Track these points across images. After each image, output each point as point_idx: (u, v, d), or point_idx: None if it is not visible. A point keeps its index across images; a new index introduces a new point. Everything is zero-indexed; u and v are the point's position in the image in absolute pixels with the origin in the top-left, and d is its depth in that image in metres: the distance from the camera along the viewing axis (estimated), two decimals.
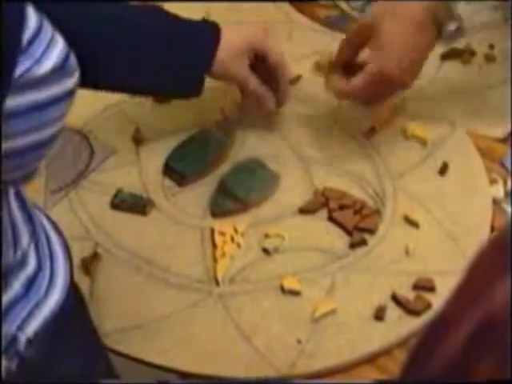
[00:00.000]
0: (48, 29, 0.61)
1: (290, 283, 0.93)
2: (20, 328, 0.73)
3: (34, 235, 0.77)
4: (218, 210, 1.02)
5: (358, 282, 0.94)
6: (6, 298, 0.73)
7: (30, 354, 0.74)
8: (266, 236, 0.98)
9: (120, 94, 1.07)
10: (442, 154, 1.07)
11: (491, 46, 1.20)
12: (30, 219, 0.76)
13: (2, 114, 0.57)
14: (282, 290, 0.93)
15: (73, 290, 0.82)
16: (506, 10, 0.98)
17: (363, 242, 0.97)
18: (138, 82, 1.00)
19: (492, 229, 0.99)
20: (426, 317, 0.89)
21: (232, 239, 0.98)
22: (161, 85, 1.02)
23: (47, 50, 0.60)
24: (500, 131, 1.11)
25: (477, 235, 0.97)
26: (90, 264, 0.95)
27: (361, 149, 1.08)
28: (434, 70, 1.18)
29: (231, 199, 1.02)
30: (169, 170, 1.07)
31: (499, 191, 1.03)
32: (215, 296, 0.93)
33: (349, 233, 0.98)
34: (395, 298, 0.91)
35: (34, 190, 1.01)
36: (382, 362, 0.88)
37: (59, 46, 0.62)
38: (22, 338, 0.73)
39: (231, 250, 0.97)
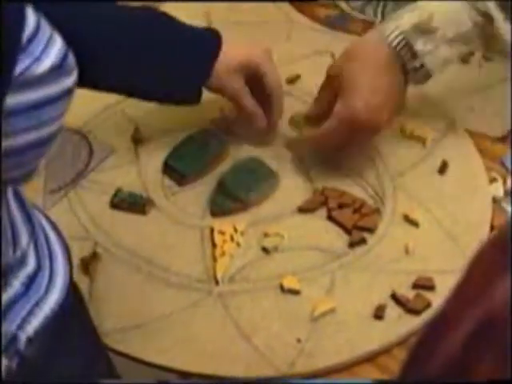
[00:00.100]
0: (46, 28, 0.61)
1: (289, 282, 0.93)
2: (20, 327, 0.73)
3: (33, 235, 0.77)
4: (217, 210, 1.02)
5: (357, 281, 0.94)
6: (6, 297, 0.74)
7: (30, 353, 0.74)
8: (266, 235, 0.98)
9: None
10: (442, 153, 1.07)
11: None
12: (28, 219, 0.77)
13: (1, 112, 0.57)
14: (282, 289, 0.93)
15: (72, 289, 0.82)
16: (473, 44, 0.97)
17: (362, 241, 0.97)
18: (136, 85, 1.00)
19: (492, 228, 0.99)
20: (426, 316, 0.89)
21: (231, 238, 0.98)
22: (157, 90, 1.02)
23: (46, 48, 0.60)
24: (499, 130, 1.11)
25: (476, 234, 0.97)
26: (89, 264, 0.95)
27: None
28: None
29: (231, 198, 1.02)
30: (168, 169, 1.07)
31: (499, 190, 1.04)
32: (215, 295, 0.93)
33: (348, 232, 0.98)
34: (395, 297, 0.91)
35: (34, 190, 1.01)
36: (381, 361, 0.88)
37: (58, 44, 0.62)
38: (23, 337, 0.73)
39: (231, 250, 0.97)
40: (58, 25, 0.63)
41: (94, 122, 1.14)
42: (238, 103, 1.05)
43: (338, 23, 1.31)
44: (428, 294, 0.91)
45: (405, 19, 0.97)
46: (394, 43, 0.97)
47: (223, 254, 0.97)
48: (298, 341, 0.88)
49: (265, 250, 0.97)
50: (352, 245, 0.97)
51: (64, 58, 0.62)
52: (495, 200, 1.03)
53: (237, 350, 0.88)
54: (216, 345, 0.89)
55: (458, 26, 0.96)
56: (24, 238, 0.75)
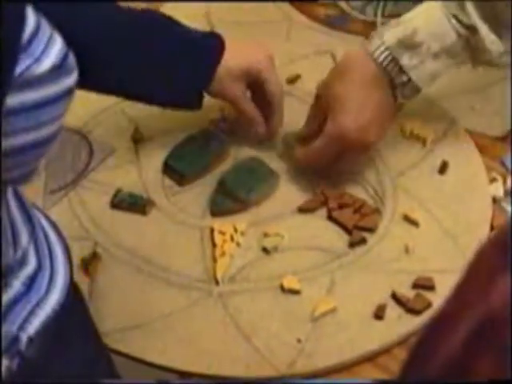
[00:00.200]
0: (46, 28, 0.61)
1: (289, 282, 0.93)
2: (21, 327, 0.73)
3: (33, 235, 0.77)
4: (217, 210, 1.02)
5: (357, 280, 0.94)
6: (6, 298, 0.74)
7: (30, 353, 0.74)
8: (266, 235, 0.98)
9: None
10: (442, 153, 1.07)
11: None
12: (28, 219, 0.77)
13: (1, 112, 0.57)
14: (282, 289, 0.93)
15: (73, 289, 0.82)
16: (462, 54, 0.97)
17: (363, 241, 0.97)
18: (136, 89, 1.00)
19: (492, 227, 0.99)
20: (426, 315, 0.89)
21: (232, 238, 0.98)
22: (158, 95, 1.02)
23: (46, 48, 0.60)
24: (500, 130, 1.11)
25: (476, 234, 0.97)
26: (89, 264, 0.95)
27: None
28: None
29: (231, 198, 1.02)
30: (168, 169, 1.07)
31: (499, 190, 1.04)
32: (215, 295, 0.93)
33: (348, 232, 0.98)
34: (395, 297, 0.91)
35: (34, 190, 1.01)
36: (382, 361, 0.88)
37: (58, 45, 0.62)
38: (24, 337, 0.73)
39: (231, 250, 0.97)
40: (58, 26, 0.63)
41: (94, 122, 1.14)
42: (239, 109, 1.05)
43: (338, 23, 1.31)
44: (428, 294, 0.91)
45: (389, 35, 0.97)
46: (380, 59, 0.97)
47: (223, 254, 0.97)
48: (298, 341, 0.88)
49: (265, 250, 0.97)
50: (352, 245, 0.97)
51: (64, 58, 0.62)
52: (495, 200, 1.02)
53: (237, 350, 0.88)
54: (216, 345, 0.89)
55: (442, 40, 0.96)
56: (24, 238, 0.75)
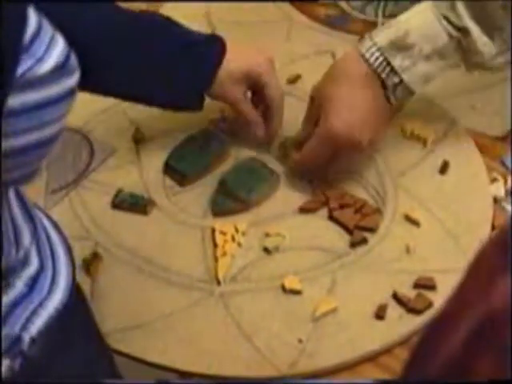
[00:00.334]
0: (48, 28, 0.61)
1: (290, 282, 0.93)
2: (24, 328, 0.74)
3: (35, 235, 0.77)
4: (218, 210, 1.02)
5: (358, 280, 0.94)
6: (9, 298, 0.74)
7: (33, 353, 0.74)
8: (267, 235, 0.98)
9: None
10: (443, 153, 1.07)
11: None
12: (30, 219, 0.77)
13: (3, 113, 0.57)
14: (283, 289, 0.93)
15: (75, 289, 0.82)
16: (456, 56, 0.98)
17: (364, 241, 0.97)
18: (137, 91, 1.00)
19: (493, 227, 0.99)
20: (427, 315, 0.89)
21: (233, 238, 0.98)
22: (159, 97, 1.02)
23: (48, 49, 0.60)
24: (500, 130, 1.11)
25: (477, 234, 0.97)
26: (90, 264, 0.95)
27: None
28: None
29: (232, 198, 1.02)
30: (169, 169, 1.07)
31: (500, 190, 1.04)
32: (216, 295, 0.93)
33: (349, 232, 0.98)
34: (396, 297, 0.91)
35: (35, 190, 1.01)
36: (383, 361, 0.88)
37: (60, 45, 0.62)
38: (26, 337, 0.73)
39: (232, 250, 0.97)
40: (57, 27, 0.63)
41: (94, 122, 1.14)
42: (239, 111, 1.06)
43: (339, 23, 1.31)
44: (429, 294, 0.91)
45: (382, 36, 0.97)
46: (372, 60, 0.97)
47: (224, 254, 0.97)
48: (300, 341, 0.88)
49: (266, 250, 0.97)
50: (353, 245, 0.97)
51: (66, 58, 0.62)
52: (496, 200, 1.02)
53: (238, 350, 0.88)
54: (217, 345, 0.89)
55: (434, 42, 0.96)
56: (26, 238, 0.75)
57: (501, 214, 1.01)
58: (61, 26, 0.63)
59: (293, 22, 1.31)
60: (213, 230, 0.99)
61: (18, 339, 0.73)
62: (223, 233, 0.99)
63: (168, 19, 1.00)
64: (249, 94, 1.06)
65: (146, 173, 1.07)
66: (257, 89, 1.05)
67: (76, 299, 0.82)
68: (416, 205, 1.01)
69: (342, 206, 1.01)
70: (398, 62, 0.96)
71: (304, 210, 1.01)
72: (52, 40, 0.61)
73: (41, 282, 0.77)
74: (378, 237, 0.98)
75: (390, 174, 1.05)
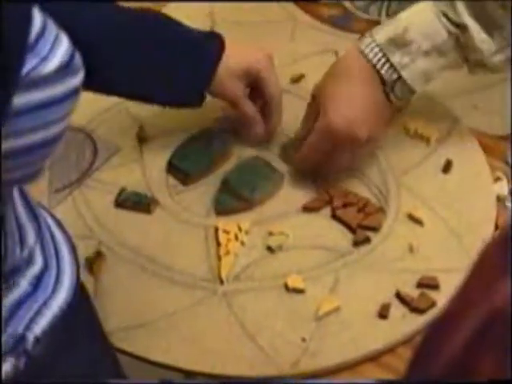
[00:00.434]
0: (52, 28, 0.61)
1: (294, 281, 0.93)
2: (28, 327, 0.74)
3: (39, 234, 0.77)
4: (221, 209, 1.02)
5: (361, 279, 0.94)
6: (13, 297, 0.74)
7: (37, 352, 0.74)
8: (270, 234, 0.98)
9: None
10: (446, 152, 1.07)
11: None
12: (34, 218, 0.77)
13: (9, 113, 0.57)
14: (286, 288, 0.93)
15: (79, 288, 0.82)
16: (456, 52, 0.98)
17: (367, 240, 0.97)
18: (137, 89, 1.01)
19: (496, 226, 0.99)
20: (430, 315, 0.89)
21: (236, 237, 0.98)
22: (159, 95, 1.02)
23: (53, 48, 0.60)
24: (504, 129, 1.11)
25: (480, 233, 0.97)
26: (93, 263, 0.96)
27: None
28: None
29: (235, 197, 1.02)
30: (173, 168, 1.07)
31: (503, 189, 1.03)
32: (219, 294, 0.93)
33: (352, 231, 0.98)
34: (399, 296, 0.91)
35: (38, 189, 1.01)
36: (386, 360, 0.88)
37: (64, 44, 0.62)
38: (30, 337, 0.74)
39: (235, 248, 0.97)
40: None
41: (98, 120, 1.14)
42: (238, 108, 1.06)
43: (342, 22, 1.31)
44: (432, 293, 0.91)
45: (381, 33, 0.98)
46: (371, 56, 0.97)
47: (228, 252, 0.97)
48: (303, 340, 0.88)
49: (269, 248, 0.97)
50: (356, 244, 0.97)
51: (71, 57, 0.62)
52: (499, 199, 1.02)
53: (241, 349, 0.88)
54: (220, 344, 0.89)
55: (433, 38, 0.96)
56: (31, 237, 0.75)
57: (504, 213, 1.01)
58: (61, 25, 0.63)
59: (297, 22, 1.31)
60: (216, 229, 0.99)
61: (22, 338, 0.73)
62: (226, 232, 0.99)
63: (166, 17, 1.00)
64: (247, 91, 1.07)
65: (149, 172, 1.07)
66: (256, 86, 1.05)
67: (80, 298, 0.82)
68: (419, 204, 1.01)
69: (345, 205, 1.01)
70: (397, 58, 0.96)
71: (307, 209, 1.01)
72: (56, 39, 0.61)
73: (45, 281, 0.77)
74: (381, 236, 0.98)
75: (393, 172, 1.05)
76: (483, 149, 1.08)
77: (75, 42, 0.64)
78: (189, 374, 0.89)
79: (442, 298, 0.90)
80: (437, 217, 1.00)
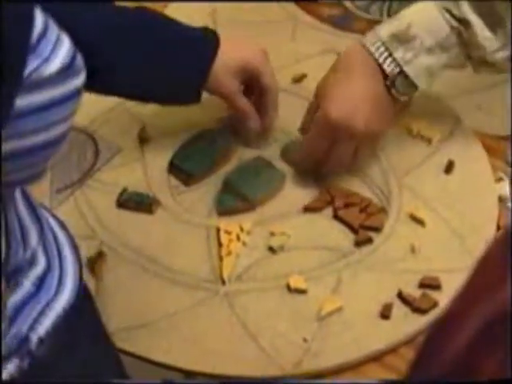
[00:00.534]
0: (54, 28, 0.61)
1: (295, 282, 0.93)
2: (31, 328, 0.74)
3: (42, 235, 0.77)
4: (223, 209, 1.02)
5: (363, 280, 0.94)
6: (16, 298, 0.74)
7: (41, 353, 0.74)
8: (272, 234, 0.98)
9: None
10: (448, 152, 1.07)
11: None
12: (37, 219, 0.77)
13: (11, 114, 0.57)
14: (288, 288, 0.93)
15: (82, 289, 0.82)
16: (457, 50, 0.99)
17: (369, 240, 0.97)
18: (133, 88, 1.00)
19: (498, 227, 0.99)
20: (432, 315, 0.89)
21: (238, 238, 0.98)
22: (155, 93, 1.02)
23: (54, 49, 0.60)
24: (506, 129, 1.11)
25: (483, 233, 0.97)
26: (95, 263, 0.96)
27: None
28: None
29: (237, 198, 1.02)
30: (174, 168, 1.07)
31: (505, 189, 1.03)
32: (221, 295, 0.93)
33: (354, 231, 0.98)
34: (401, 296, 0.91)
35: (40, 190, 1.01)
36: (388, 361, 0.88)
37: (66, 45, 0.62)
38: (34, 337, 0.74)
39: (237, 249, 0.97)
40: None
41: (99, 121, 1.14)
42: (234, 104, 1.06)
43: (342, 22, 1.31)
44: (434, 294, 0.91)
45: (384, 29, 0.98)
46: (373, 50, 0.98)
47: (229, 253, 0.97)
48: (305, 340, 0.88)
49: (271, 249, 0.97)
50: (358, 244, 0.97)
51: (72, 58, 0.62)
52: (501, 199, 1.02)
53: (243, 350, 0.88)
54: (222, 344, 0.89)
55: (436, 35, 0.97)
56: (33, 238, 0.75)
57: (506, 213, 1.01)
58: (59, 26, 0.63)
59: (297, 22, 1.31)
60: (218, 230, 0.99)
61: (26, 339, 0.73)
62: (228, 232, 0.99)
63: (160, 15, 1.00)
64: (241, 88, 1.06)
65: (150, 172, 1.07)
66: (251, 81, 1.05)
67: (83, 299, 0.82)
68: (421, 204, 1.01)
69: (346, 206, 1.01)
70: (400, 54, 0.97)
71: (309, 209, 1.01)
72: (58, 40, 0.61)
73: (48, 282, 0.77)
74: (383, 236, 0.98)
75: (395, 173, 1.05)
76: (485, 149, 1.08)
77: (74, 42, 0.64)
78: (190, 374, 0.89)
79: (443, 299, 0.90)
80: (439, 217, 1.00)
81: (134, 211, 1.02)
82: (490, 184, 1.04)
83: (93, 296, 0.90)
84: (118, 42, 0.96)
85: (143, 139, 1.11)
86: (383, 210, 1.01)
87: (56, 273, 0.79)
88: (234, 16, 1.30)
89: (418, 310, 0.90)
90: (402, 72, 0.97)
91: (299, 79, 1.19)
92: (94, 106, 1.13)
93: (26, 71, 0.58)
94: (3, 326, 0.72)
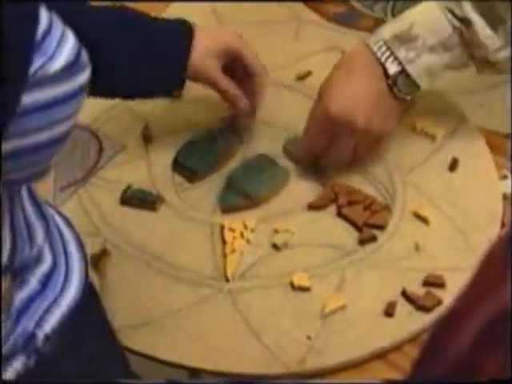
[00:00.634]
0: (58, 25, 0.61)
1: (299, 279, 0.93)
2: (38, 325, 0.74)
3: (48, 232, 0.77)
4: (227, 206, 1.02)
5: (367, 277, 0.94)
6: (23, 295, 0.74)
7: (47, 350, 0.74)
8: (276, 232, 0.98)
9: None
10: (452, 150, 1.07)
11: None
12: (43, 216, 0.77)
13: (17, 112, 0.57)
14: (292, 286, 0.93)
15: (88, 286, 0.82)
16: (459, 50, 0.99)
17: (373, 238, 0.97)
18: (113, 85, 1.00)
19: (502, 225, 0.99)
20: (436, 313, 0.89)
21: (242, 235, 0.98)
22: (135, 88, 1.02)
23: (59, 46, 0.60)
24: (507, 127, 1.11)
25: (487, 231, 0.97)
26: (99, 260, 0.96)
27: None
28: None
29: (241, 195, 1.02)
30: (178, 166, 1.07)
31: (509, 187, 1.03)
32: (225, 292, 0.93)
33: (358, 229, 0.98)
34: (405, 294, 0.91)
35: (44, 188, 1.01)
36: (392, 358, 0.88)
37: (70, 41, 0.62)
38: (40, 335, 0.74)
39: (241, 246, 0.97)
40: None
41: (103, 119, 1.14)
42: (219, 88, 1.05)
43: (348, 20, 1.31)
44: (438, 292, 0.91)
45: (387, 29, 0.99)
46: (375, 49, 0.98)
47: (233, 250, 0.97)
48: (308, 338, 0.88)
49: (275, 246, 0.97)
50: (362, 242, 0.97)
51: (77, 55, 0.62)
52: (506, 197, 1.02)
53: (246, 347, 0.88)
54: (226, 342, 0.89)
55: (438, 35, 0.97)
56: (39, 236, 0.76)
57: (510, 211, 1.00)
58: None
59: (302, 20, 1.31)
60: (222, 227, 0.99)
61: (32, 337, 0.73)
62: (232, 229, 0.99)
63: (132, 10, 1.00)
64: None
65: (154, 169, 1.07)
66: (234, 64, 1.04)
67: (89, 296, 0.83)
68: (425, 202, 1.01)
69: (350, 203, 1.00)
70: (402, 53, 0.97)
71: (313, 207, 1.01)
72: (63, 36, 0.61)
73: (54, 279, 0.77)
74: (387, 234, 0.98)
75: (399, 170, 1.05)
76: (489, 147, 1.08)
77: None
78: (193, 371, 0.89)
79: (448, 297, 0.90)
80: (443, 215, 0.99)
81: (138, 208, 1.02)
82: (494, 181, 1.04)
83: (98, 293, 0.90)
84: (95, 42, 0.95)
85: (147, 137, 1.11)
86: (387, 208, 1.00)
87: (62, 270, 0.79)
88: (235, 16, 1.30)
89: (422, 308, 0.90)
90: (403, 71, 0.97)
91: (303, 77, 1.19)
92: (97, 104, 1.12)
93: (32, 69, 0.58)
94: (8, 324, 0.72)
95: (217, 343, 0.89)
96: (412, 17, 0.98)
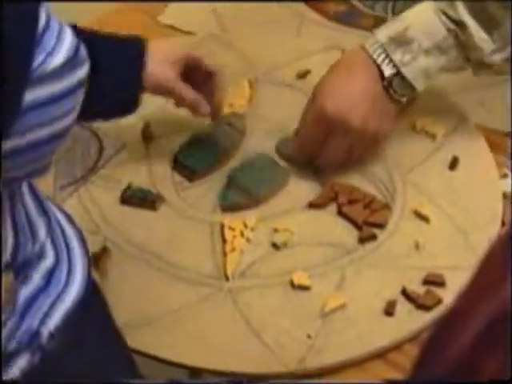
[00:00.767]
0: (55, 21, 0.62)
1: (299, 278, 0.93)
2: (42, 322, 0.74)
3: (50, 228, 0.78)
4: (227, 205, 1.02)
5: (367, 276, 0.94)
6: (27, 292, 0.74)
7: (51, 347, 0.74)
8: (276, 231, 0.98)
9: None
10: (452, 149, 1.07)
11: None
12: (44, 212, 0.77)
13: (21, 110, 0.57)
14: (292, 284, 0.93)
15: (91, 282, 0.82)
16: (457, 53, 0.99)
17: (373, 237, 0.97)
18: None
19: (502, 223, 0.99)
20: (437, 312, 0.89)
21: (242, 234, 0.98)
22: (92, 111, 1.00)
23: (58, 41, 0.60)
24: (507, 126, 1.11)
25: (487, 230, 0.97)
26: (99, 259, 0.96)
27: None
28: None
29: (241, 194, 1.02)
30: (178, 165, 1.07)
31: (509, 185, 1.03)
32: (225, 291, 0.93)
33: (358, 227, 0.98)
34: (405, 293, 0.91)
35: (44, 186, 1.01)
36: (392, 357, 0.88)
37: (69, 37, 0.62)
38: (45, 332, 0.74)
39: (241, 245, 0.97)
40: None
41: None
42: (179, 96, 1.04)
43: (349, 19, 1.31)
44: (438, 290, 0.91)
45: (383, 33, 0.99)
46: (371, 51, 0.99)
47: (233, 249, 0.97)
48: (308, 337, 0.88)
49: (275, 245, 0.97)
50: (362, 240, 0.97)
51: (76, 50, 0.62)
52: (506, 195, 1.02)
53: (246, 346, 0.88)
54: (226, 341, 0.89)
55: (433, 37, 0.98)
56: (42, 232, 0.76)
57: (510, 210, 1.00)
58: None
59: (303, 19, 1.31)
60: (222, 226, 0.99)
61: (37, 334, 0.73)
62: (232, 228, 0.99)
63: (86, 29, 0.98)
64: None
65: (154, 168, 1.07)
66: (191, 71, 1.04)
67: (92, 293, 0.83)
68: (425, 200, 1.01)
69: (350, 202, 1.00)
70: (398, 56, 0.98)
71: (313, 206, 1.01)
72: (61, 31, 0.61)
73: (57, 276, 0.78)
74: (387, 233, 0.98)
75: (399, 169, 1.05)
76: (490, 145, 1.08)
77: None
78: (194, 370, 0.89)
79: (448, 295, 0.90)
80: (443, 214, 0.99)
81: (138, 207, 1.02)
82: (494, 180, 1.04)
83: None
84: None
85: (147, 136, 1.11)
86: (387, 207, 1.00)
87: (65, 266, 0.79)
88: (235, 16, 1.30)
89: (422, 307, 0.90)
90: (398, 73, 0.98)
91: (303, 75, 1.19)
92: None
93: (32, 66, 0.58)
94: (13, 322, 0.72)
95: (217, 342, 0.89)
96: (408, 19, 0.99)
